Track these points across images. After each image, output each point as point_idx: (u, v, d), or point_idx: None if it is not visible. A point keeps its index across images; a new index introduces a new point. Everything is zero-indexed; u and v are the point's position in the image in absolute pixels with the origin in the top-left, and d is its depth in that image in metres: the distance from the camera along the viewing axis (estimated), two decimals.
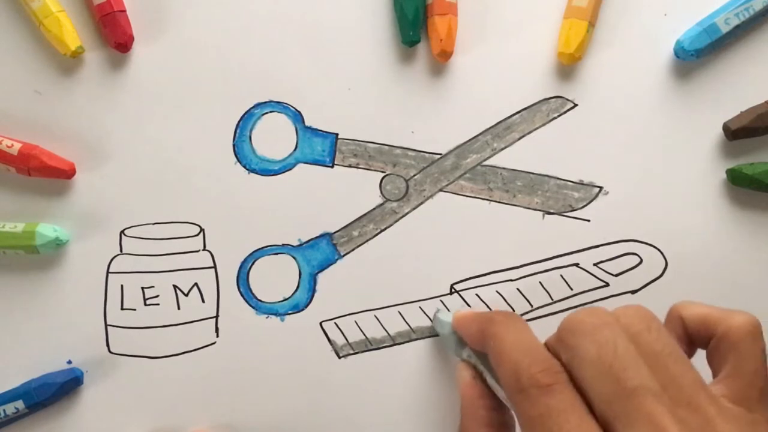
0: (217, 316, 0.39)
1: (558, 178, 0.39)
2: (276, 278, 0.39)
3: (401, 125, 0.39)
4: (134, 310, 0.39)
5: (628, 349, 0.26)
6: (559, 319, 0.39)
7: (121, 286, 0.39)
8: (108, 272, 0.39)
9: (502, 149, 0.40)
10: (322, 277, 0.39)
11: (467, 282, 0.39)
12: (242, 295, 0.39)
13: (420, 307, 0.39)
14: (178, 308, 0.39)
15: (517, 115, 0.40)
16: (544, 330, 0.39)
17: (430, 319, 0.39)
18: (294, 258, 0.39)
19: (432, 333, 0.39)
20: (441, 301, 0.39)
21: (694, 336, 0.29)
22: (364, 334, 0.39)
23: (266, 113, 0.39)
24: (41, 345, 0.39)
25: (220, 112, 0.39)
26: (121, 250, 0.39)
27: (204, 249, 0.39)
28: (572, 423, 0.25)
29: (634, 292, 0.39)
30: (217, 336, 0.39)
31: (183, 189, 0.39)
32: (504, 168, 0.40)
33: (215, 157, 0.39)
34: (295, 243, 0.39)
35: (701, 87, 0.39)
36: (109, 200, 0.39)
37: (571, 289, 0.39)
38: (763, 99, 0.38)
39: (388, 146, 0.39)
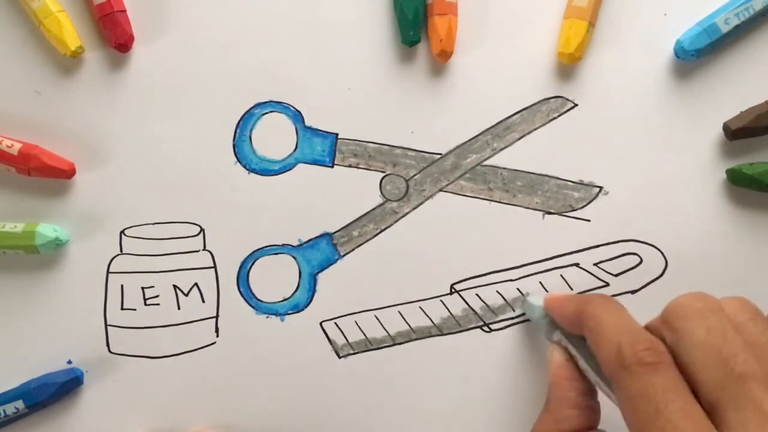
0: (217, 316, 0.39)
1: (558, 178, 0.39)
2: (276, 278, 0.39)
3: (401, 125, 0.39)
4: (134, 310, 0.39)
5: (735, 336, 0.26)
6: None
7: (121, 286, 0.39)
8: (108, 272, 0.39)
9: (502, 149, 0.40)
10: (322, 277, 0.39)
11: (467, 282, 0.39)
12: (242, 295, 0.39)
13: (420, 307, 0.39)
14: (178, 308, 0.39)
15: (517, 115, 0.40)
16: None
17: (430, 319, 0.39)
18: (294, 258, 0.39)
19: (433, 333, 0.39)
20: (441, 301, 0.39)
21: None
22: (364, 334, 0.39)
23: (266, 113, 0.39)
24: (41, 345, 0.39)
25: (220, 112, 0.39)
26: (121, 250, 0.39)
27: (204, 249, 0.39)
28: (677, 403, 0.25)
29: (634, 292, 0.39)
30: (217, 336, 0.39)
31: (183, 189, 0.39)
32: (504, 168, 0.40)
33: (215, 157, 0.39)
34: (295, 243, 0.39)
35: (701, 87, 0.39)
36: (109, 200, 0.39)
37: (571, 289, 0.39)
38: (763, 99, 0.38)
39: (388, 146, 0.39)
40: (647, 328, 0.29)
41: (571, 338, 0.33)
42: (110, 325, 0.39)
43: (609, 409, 0.31)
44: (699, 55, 0.38)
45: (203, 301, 0.39)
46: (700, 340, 0.26)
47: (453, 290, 0.39)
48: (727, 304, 0.28)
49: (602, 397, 0.32)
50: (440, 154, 0.40)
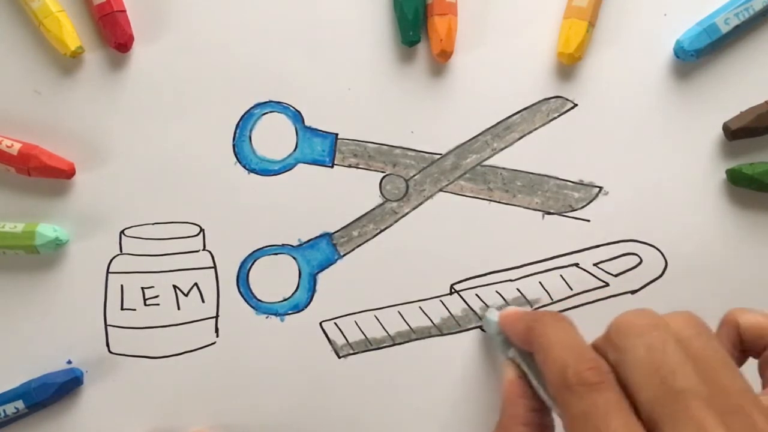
0: (217, 316, 0.39)
1: (558, 178, 0.39)
2: (276, 278, 0.39)
3: (401, 125, 0.39)
4: (134, 310, 0.39)
5: (677, 352, 0.25)
6: None
7: (121, 286, 0.39)
8: (108, 272, 0.39)
9: (502, 149, 0.40)
10: (322, 277, 0.39)
11: (467, 282, 0.39)
12: (242, 295, 0.39)
13: (420, 307, 0.39)
14: (178, 308, 0.39)
15: (517, 115, 0.40)
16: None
17: (430, 319, 0.39)
18: (294, 258, 0.39)
19: (433, 333, 0.39)
20: (441, 301, 0.39)
21: (747, 344, 0.29)
22: (364, 334, 0.39)
23: (266, 113, 0.39)
24: (41, 345, 0.39)
25: (220, 112, 0.39)
26: (121, 250, 0.39)
27: (204, 249, 0.39)
28: (618, 422, 0.24)
29: (634, 292, 0.39)
30: (217, 336, 0.39)
31: (183, 189, 0.39)
32: (504, 168, 0.40)
33: (215, 157, 0.39)
34: (295, 243, 0.39)
35: (701, 87, 0.39)
36: (109, 200, 0.39)
37: (571, 289, 0.39)
38: (763, 99, 0.38)
39: (388, 146, 0.39)
40: (593, 346, 0.28)
41: (524, 356, 0.33)
42: (110, 325, 0.39)
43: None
44: (699, 55, 0.38)
45: (203, 301, 0.39)
46: (640, 357, 0.26)
47: (453, 290, 0.39)
48: (672, 320, 0.27)
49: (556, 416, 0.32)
50: (440, 154, 0.40)
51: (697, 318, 0.27)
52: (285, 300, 0.39)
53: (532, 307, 0.39)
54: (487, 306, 0.39)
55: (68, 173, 0.38)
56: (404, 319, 0.39)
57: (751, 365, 0.29)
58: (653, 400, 0.25)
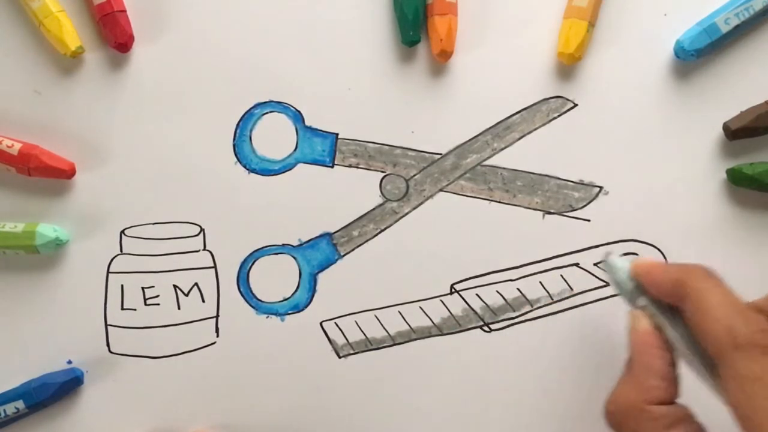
0: (217, 316, 0.39)
1: (558, 178, 0.39)
2: (276, 278, 0.39)
3: (401, 125, 0.39)
4: (134, 310, 0.39)
5: None
6: (559, 320, 0.39)
7: (121, 286, 0.39)
8: (108, 272, 0.39)
9: (502, 149, 0.40)
10: (322, 277, 0.39)
11: (467, 282, 0.39)
12: (242, 295, 0.39)
13: (420, 307, 0.39)
14: (178, 308, 0.39)
15: (517, 115, 0.40)
16: (544, 330, 0.39)
17: (430, 319, 0.39)
18: (294, 258, 0.39)
19: (433, 333, 0.39)
20: (441, 301, 0.39)
21: None
22: (364, 334, 0.39)
23: (266, 113, 0.39)
24: (41, 345, 0.39)
25: (220, 112, 0.39)
26: (121, 250, 0.39)
27: (204, 249, 0.39)
28: None
29: None
30: (217, 336, 0.39)
31: (183, 189, 0.39)
32: (504, 168, 0.40)
33: (215, 157, 0.39)
34: (295, 243, 0.39)
35: (701, 87, 0.39)
36: (109, 200, 0.39)
37: (571, 289, 0.39)
38: (763, 99, 0.38)
39: (388, 146, 0.39)
40: (754, 307, 0.28)
41: (659, 306, 0.32)
42: (110, 325, 0.39)
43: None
44: (699, 55, 0.38)
45: (203, 301, 0.39)
46: None
47: (453, 290, 0.39)
48: None
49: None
50: (440, 154, 0.40)
51: None
52: (285, 300, 0.39)
53: (532, 307, 0.39)
54: (488, 306, 0.39)
55: (68, 173, 0.38)
56: (404, 319, 0.39)
57: None
58: None
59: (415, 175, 0.40)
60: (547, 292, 0.39)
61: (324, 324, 0.39)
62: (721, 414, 0.27)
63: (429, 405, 0.39)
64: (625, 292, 0.34)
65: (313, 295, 0.39)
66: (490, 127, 0.40)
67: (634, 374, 0.31)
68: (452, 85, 0.39)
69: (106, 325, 0.39)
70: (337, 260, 0.39)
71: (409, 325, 0.39)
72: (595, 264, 0.39)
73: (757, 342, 0.26)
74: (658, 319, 0.32)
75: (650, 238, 0.39)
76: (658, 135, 0.39)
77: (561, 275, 0.39)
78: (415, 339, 0.39)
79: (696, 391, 0.30)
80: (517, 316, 0.39)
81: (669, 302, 0.31)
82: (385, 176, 0.40)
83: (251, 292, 0.39)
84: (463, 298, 0.39)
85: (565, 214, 0.39)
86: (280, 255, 0.39)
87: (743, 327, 0.26)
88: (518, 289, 0.39)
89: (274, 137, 0.39)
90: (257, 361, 0.39)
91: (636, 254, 0.39)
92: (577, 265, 0.39)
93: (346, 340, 0.39)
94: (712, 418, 0.29)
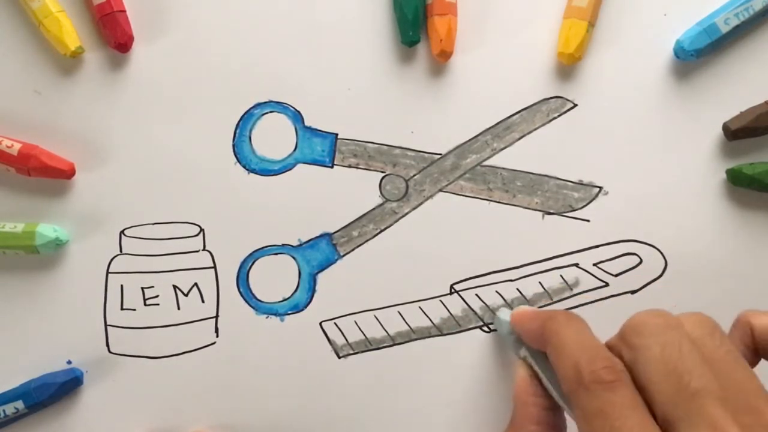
0: (217, 316, 0.39)
1: (558, 178, 0.39)
2: (276, 278, 0.39)
3: (401, 125, 0.39)
4: (134, 310, 0.39)
5: (692, 352, 0.26)
6: None
7: (121, 286, 0.39)
8: (108, 272, 0.39)
9: (502, 149, 0.40)
10: (321, 277, 0.39)
11: (467, 282, 0.39)
12: (242, 295, 0.39)
13: (420, 307, 0.39)
14: (178, 308, 0.39)
15: (517, 115, 0.40)
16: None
17: (430, 319, 0.39)
18: (294, 258, 0.39)
19: (433, 333, 0.39)
20: (441, 301, 0.39)
21: (761, 346, 0.29)
22: (364, 334, 0.39)
23: (266, 113, 0.39)
24: (41, 345, 0.39)
25: (220, 112, 0.39)
26: (120, 250, 0.39)
27: (204, 249, 0.39)
28: (633, 420, 0.25)
29: (633, 292, 0.39)
30: (217, 336, 0.39)
31: (183, 189, 0.39)
32: (504, 168, 0.40)
33: (215, 157, 0.39)
34: (295, 243, 0.39)
35: (701, 87, 0.39)
36: (109, 200, 0.39)
37: (571, 289, 0.39)
38: (763, 99, 0.38)
39: (388, 146, 0.39)
40: (607, 345, 0.29)
41: (536, 355, 0.33)
42: (110, 325, 0.39)
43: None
44: (699, 55, 0.38)
45: (203, 301, 0.39)
46: (655, 357, 0.26)
47: (453, 290, 0.39)
48: (686, 320, 0.27)
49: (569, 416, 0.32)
50: (440, 154, 0.40)
51: (709, 318, 0.28)
52: (285, 300, 0.39)
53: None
54: (488, 306, 0.39)
55: (68, 173, 0.38)
56: (404, 319, 0.39)
57: (763, 366, 0.29)
58: (669, 399, 0.25)
59: (414, 176, 0.40)
60: (547, 292, 0.39)
61: (324, 324, 0.39)
62: None
63: (429, 405, 0.39)
64: (509, 345, 0.36)
65: (312, 296, 0.39)
66: (490, 127, 0.40)
67: (513, 422, 0.33)
68: (452, 85, 0.39)
69: (106, 325, 0.39)
70: (336, 260, 0.39)
71: (409, 326, 0.39)
72: (594, 264, 0.39)
73: (600, 378, 0.26)
74: (535, 367, 0.33)
75: (650, 238, 0.39)
76: (658, 135, 0.39)
77: (561, 275, 0.39)
78: (415, 339, 0.39)
79: None
80: None
81: (540, 349, 0.32)
82: (384, 176, 0.40)
83: (251, 292, 0.39)
84: (462, 299, 0.39)
85: (564, 214, 0.39)
86: (279, 255, 0.39)
87: (587, 365, 0.27)
88: (518, 289, 0.39)
89: (273, 137, 0.39)
90: (257, 361, 0.39)
91: (636, 255, 0.39)
92: (576, 265, 0.39)
93: (346, 340, 0.39)
94: None
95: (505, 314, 0.37)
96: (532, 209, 0.39)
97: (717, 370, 0.25)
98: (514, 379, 0.34)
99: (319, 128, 0.39)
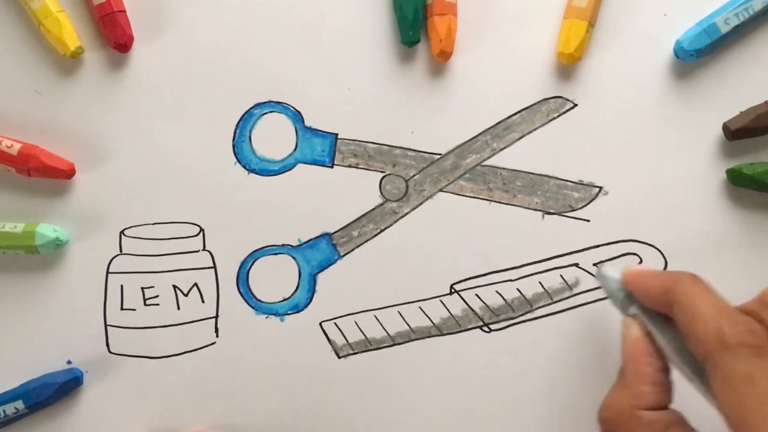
0: (216, 316, 0.39)
1: (558, 178, 0.39)
2: (276, 278, 0.39)
3: (401, 125, 0.39)
4: (134, 310, 0.39)
5: None
6: (559, 320, 0.39)
7: (121, 286, 0.39)
8: (108, 272, 0.39)
9: (502, 149, 0.40)
10: (321, 277, 0.39)
11: (467, 282, 0.39)
12: (242, 295, 0.39)
13: (420, 307, 0.39)
14: (178, 308, 0.39)
15: (517, 115, 0.40)
16: (544, 330, 0.39)
17: (430, 319, 0.39)
18: (294, 258, 0.39)
19: (433, 333, 0.39)
20: (441, 301, 0.39)
21: None
22: (364, 334, 0.39)
23: (266, 113, 0.39)
24: (41, 345, 0.39)
25: (220, 112, 0.39)
26: (120, 251, 0.39)
27: (204, 249, 0.39)
28: None
29: None
30: (217, 336, 0.39)
31: (183, 189, 0.39)
32: (504, 168, 0.40)
33: (215, 157, 0.39)
34: (295, 243, 0.39)
35: (701, 87, 0.39)
36: (109, 200, 0.39)
37: (571, 289, 0.39)
38: (763, 99, 0.38)
39: (388, 146, 0.39)
40: (742, 310, 0.29)
41: (649, 314, 0.32)
42: (110, 325, 0.39)
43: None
44: (699, 55, 0.38)
45: (203, 301, 0.39)
46: None
47: (453, 290, 0.39)
48: None
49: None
50: (440, 154, 0.40)
51: None
52: (285, 300, 0.39)
53: (532, 307, 0.39)
54: (488, 306, 0.39)
55: (68, 173, 0.38)
56: (404, 319, 0.39)
57: None
58: None
59: (414, 176, 0.40)
60: (547, 293, 0.39)
61: (323, 324, 0.39)
62: (713, 420, 0.27)
63: (429, 405, 0.39)
64: (617, 302, 0.35)
65: (312, 296, 0.39)
66: (490, 128, 0.40)
67: (625, 381, 0.32)
68: (452, 86, 0.39)
69: (106, 325, 0.39)
70: (336, 260, 0.39)
71: (409, 326, 0.39)
72: (594, 264, 0.39)
73: (745, 342, 0.26)
74: (648, 326, 0.32)
75: (650, 239, 0.39)
76: (657, 135, 0.39)
77: (561, 275, 0.39)
78: (415, 339, 0.39)
79: (690, 398, 0.30)
80: (516, 317, 0.39)
81: (659, 310, 0.32)
82: (384, 176, 0.40)
83: (251, 292, 0.39)
84: (462, 299, 0.39)
85: (564, 214, 0.39)
86: (279, 255, 0.39)
87: (730, 328, 0.27)
88: (518, 289, 0.39)
89: (273, 137, 0.39)
90: (257, 361, 0.39)
91: (636, 255, 0.39)
92: (576, 265, 0.39)
93: (346, 340, 0.39)
94: (705, 425, 0.29)
95: (611, 271, 0.35)
96: (532, 209, 0.39)
97: None
98: (624, 338, 0.33)
99: (319, 128, 0.39)
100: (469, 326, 0.39)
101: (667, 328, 0.31)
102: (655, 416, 0.30)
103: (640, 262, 0.39)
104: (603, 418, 0.32)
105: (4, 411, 0.38)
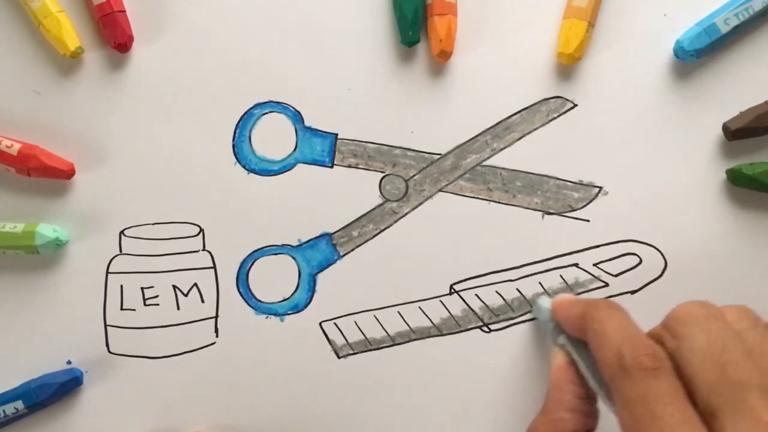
0: (216, 317, 0.39)
1: (558, 178, 0.39)
2: (276, 278, 0.39)
3: (401, 125, 0.39)
4: (134, 310, 0.39)
5: (735, 343, 0.26)
6: None
7: (121, 286, 0.39)
8: (108, 272, 0.39)
9: (502, 149, 0.40)
10: (321, 278, 0.39)
11: (467, 282, 0.39)
12: (242, 295, 0.39)
13: (420, 307, 0.39)
14: (178, 308, 0.39)
15: (516, 115, 0.40)
16: (544, 330, 0.39)
17: (429, 319, 0.39)
18: (294, 258, 0.39)
19: (433, 333, 0.39)
20: (440, 301, 0.39)
21: None
22: (364, 334, 0.39)
23: (266, 113, 0.39)
24: (41, 345, 0.39)
25: (219, 112, 0.39)
26: (120, 251, 0.39)
27: (204, 249, 0.39)
28: (675, 407, 0.25)
29: (633, 292, 0.39)
30: (217, 336, 0.39)
31: (183, 189, 0.39)
32: (504, 168, 0.40)
33: (215, 157, 0.39)
34: (295, 243, 0.39)
35: (701, 87, 0.39)
36: (108, 200, 0.39)
37: (571, 289, 0.39)
38: (763, 99, 0.38)
39: (388, 146, 0.39)
40: (649, 335, 0.29)
41: (575, 343, 0.33)
42: (110, 325, 0.39)
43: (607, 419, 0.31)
44: (699, 55, 0.38)
45: (203, 302, 0.39)
46: (700, 346, 0.26)
47: (452, 290, 0.39)
48: (728, 312, 0.28)
49: (602, 406, 0.32)
50: (440, 154, 0.40)
51: (752, 311, 0.28)
52: (285, 300, 0.39)
53: (532, 307, 0.39)
54: (487, 306, 0.39)
55: (68, 173, 0.38)
56: (404, 319, 0.39)
57: None
58: (711, 388, 0.25)
59: (414, 176, 0.40)
60: (547, 293, 0.39)
61: (323, 324, 0.39)
62: None
63: (428, 405, 0.39)
64: (548, 332, 0.36)
65: (312, 296, 0.39)
66: (490, 128, 0.39)
67: (546, 407, 0.33)
68: (452, 86, 0.39)
69: (106, 325, 0.39)
70: (336, 260, 0.39)
71: (409, 326, 0.39)
72: (594, 264, 0.39)
73: (641, 365, 0.26)
74: (573, 355, 0.33)
75: (650, 239, 0.39)
76: (657, 135, 0.39)
77: (561, 275, 0.39)
78: (415, 339, 0.39)
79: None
80: (516, 317, 0.39)
81: (578, 336, 0.32)
82: (384, 176, 0.40)
83: (251, 292, 0.39)
84: (462, 299, 0.39)
85: (564, 214, 0.39)
86: (279, 255, 0.39)
87: (630, 351, 0.27)
88: (518, 289, 0.39)
89: (273, 137, 0.39)
90: (257, 361, 0.39)
91: (636, 255, 0.39)
92: (576, 265, 0.39)
93: (346, 340, 0.39)
94: None
95: (545, 301, 0.37)
96: (532, 209, 0.39)
97: (759, 363, 0.26)
98: (551, 366, 0.34)
99: (319, 128, 0.39)
100: (469, 326, 0.39)
101: (590, 355, 0.32)
102: None
103: (640, 262, 0.39)
104: None
105: (4, 411, 0.38)
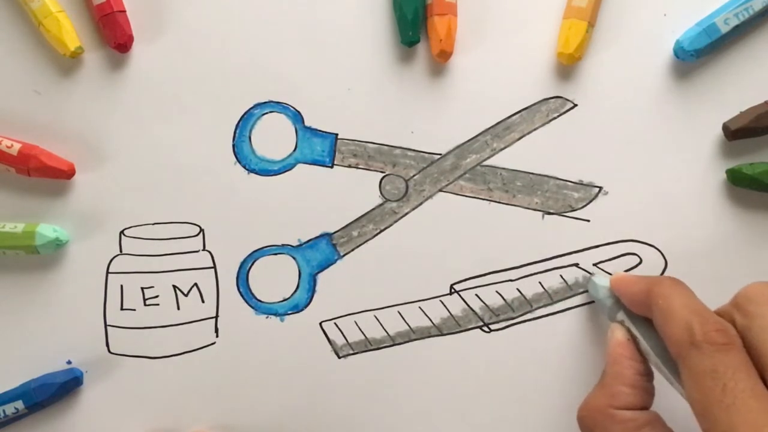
0: (216, 317, 0.39)
1: (558, 178, 0.39)
2: (276, 278, 0.39)
3: (401, 125, 0.39)
4: (134, 310, 0.39)
5: None
6: (559, 320, 0.39)
7: (121, 286, 0.39)
8: (108, 272, 0.39)
9: (502, 149, 0.40)
10: (321, 278, 0.39)
11: (467, 282, 0.39)
12: (242, 295, 0.39)
13: (420, 307, 0.39)
14: (178, 308, 0.39)
15: (516, 115, 0.40)
16: (544, 330, 0.39)
17: (430, 319, 0.39)
18: (294, 258, 0.39)
19: (433, 333, 0.39)
20: (441, 301, 0.39)
21: None
22: (364, 335, 0.39)
23: (266, 113, 0.39)
24: (41, 345, 0.39)
25: (219, 112, 0.39)
26: (120, 251, 0.39)
27: (204, 249, 0.39)
28: (745, 382, 0.25)
29: None
30: (217, 336, 0.39)
31: (183, 189, 0.39)
32: (504, 168, 0.40)
33: (215, 157, 0.39)
34: (295, 243, 0.39)
35: (701, 87, 0.39)
36: (108, 200, 0.39)
37: (571, 289, 0.39)
38: (763, 99, 0.38)
39: (388, 146, 0.39)
40: (717, 312, 0.29)
41: (634, 319, 0.33)
42: (110, 325, 0.39)
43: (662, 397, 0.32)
44: (698, 55, 0.38)
45: (203, 302, 0.39)
46: None
47: (453, 290, 0.39)
48: None
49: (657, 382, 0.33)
50: (440, 154, 0.40)
51: None
52: (285, 300, 0.39)
53: (532, 307, 0.39)
54: (488, 306, 0.39)
55: (68, 173, 0.38)
56: (404, 319, 0.39)
57: None
58: None
59: (414, 176, 0.40)
60: (547, 292, 0.39)
61: (323, 324, 0.39)
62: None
63: (429, 405, 0.39)
64: (605, 309, 0.36)
65: (312, 296, 0.39)
66: (490, 128, 0.39)
67: (604, 382, 0.33)
68: (452, 86, 0.39)
69: (106, 325, 0.39)
70: (336, 260, 0.39)
71: (409, 326, 0.39)
72: (594, 264, 0.39)
73: (712, 340, 0.27)
74: (633, 331, 0.33)
75: (650, 239, 0.39)
76: (658, 135, 0.39)
77: (561, 275, 0.39)
78: (415, 339, 0.39)
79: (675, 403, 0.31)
80: (516, 317, 0.39)
81: (641, 313, 0.33)
82: (384, 176, 0.40)
83: (251, 292, 0.39)
84: (462, 299, 0.39)
85: (564, 214, 0.39)
86: (279, 255, 0.39)
87: (700, 326, 0.28)
88: (518, 289, 0.39)
89: (273, 137, 0.39)
90: (257, 361, 0.39)
91: (636, 255, 0.39)
92: (576, 265, 0.39)
93: (346, 340, 0.39)
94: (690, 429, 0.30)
95: (601, 279, 0.37)
96: (532, 209, 0.39)
97: None
98: (609, 342, 0.34)
99: (319, 128, 0.39)
100: (469, 326, 0.39)
101: (651, 332, 0.32)
102: (630, 415, 0.31)
103: (640, 262, 0.39)
104: (580, 417, 0.33)
105: (3, 411, 0.38)
